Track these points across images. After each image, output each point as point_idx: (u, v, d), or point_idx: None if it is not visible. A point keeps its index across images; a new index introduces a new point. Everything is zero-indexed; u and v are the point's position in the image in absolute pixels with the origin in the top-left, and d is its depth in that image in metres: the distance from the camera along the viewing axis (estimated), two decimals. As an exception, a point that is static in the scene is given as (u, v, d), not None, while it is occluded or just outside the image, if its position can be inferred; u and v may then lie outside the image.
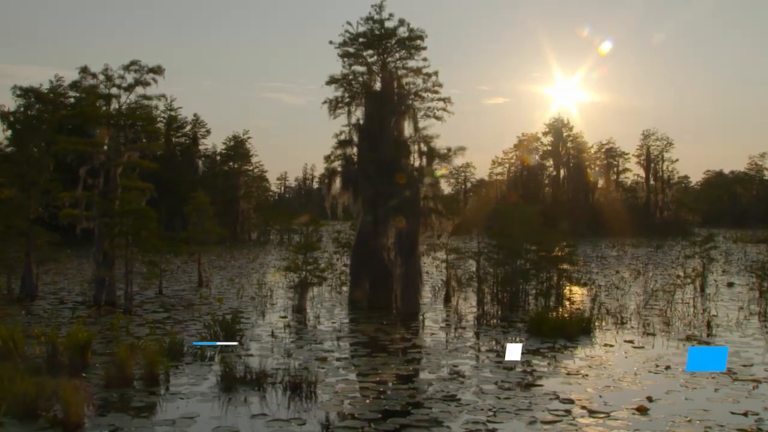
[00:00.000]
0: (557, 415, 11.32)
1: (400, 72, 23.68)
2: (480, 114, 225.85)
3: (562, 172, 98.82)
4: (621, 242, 66.90)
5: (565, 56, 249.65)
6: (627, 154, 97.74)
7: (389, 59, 23.74)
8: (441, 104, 23.66)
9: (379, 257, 22.92)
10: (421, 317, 21.79)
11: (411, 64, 23.87)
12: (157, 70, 23.54)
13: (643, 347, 17.22)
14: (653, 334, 18.91)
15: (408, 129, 23.33)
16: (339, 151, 23.55)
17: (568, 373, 14.32)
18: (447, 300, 24.96)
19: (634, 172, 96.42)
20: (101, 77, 24.03)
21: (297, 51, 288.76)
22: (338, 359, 15.58)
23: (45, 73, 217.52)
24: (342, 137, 23.64)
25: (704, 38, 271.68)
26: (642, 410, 11.66)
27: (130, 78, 23.95)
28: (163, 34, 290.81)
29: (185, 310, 22.55)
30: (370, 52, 23.83)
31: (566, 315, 20.07)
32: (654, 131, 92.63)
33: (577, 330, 18.55)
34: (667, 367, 14.87)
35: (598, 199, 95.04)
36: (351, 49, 23.60)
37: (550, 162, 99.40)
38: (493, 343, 17.88)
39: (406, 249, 22.01)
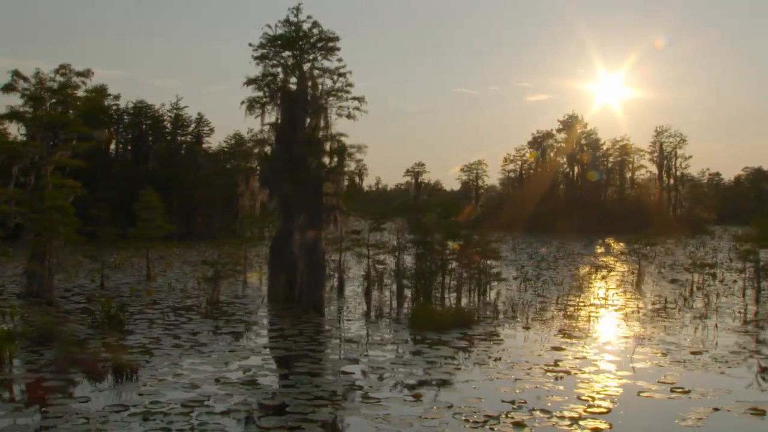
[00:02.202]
0: (332, 399, 11.99)
1: (315, 73, 24.45)
2: (522, 110, 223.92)
3: (576, 169, 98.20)
4: (621, 239, 66.20)
5: (608, 52, 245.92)
6: (642, 150, 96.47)
7: (305, 61, 24.51)
8: (355, 103, 24.38)
9: (293, 252, 23.69)
10: (326, 309, 22.60)
11: (326, 65, 24.67)
12: (85, 74, 24.75)
13: (503, 340, 17.69)
14: (528, 328, 19.34)
15: (322, 128, 24.10)
16: (257, 150, 24.44)
17: (392, 363, 14.94)
18: (367, 293, 25.65)
19: (647, 168, 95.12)
20: (33, 80, 25.23)
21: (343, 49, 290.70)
22: (193, 346, 16.45)
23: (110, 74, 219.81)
24: (261, 136, 24.53)
25: (750, 34, 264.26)
26: (417, 396, 12.26)
27: (60, 81, 25.12)
28: (209, 34, 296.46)
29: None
30: (288, 53, 24.64)
31: (441, 308, 20.63)
32: (667, 128, 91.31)
33: (450, 323, 19.05)
34: (498, 359, 15.36)
35: (610, 196, 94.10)
36: (267, 51, 24.41)
37: (563, 159, 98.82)
38: (362, 333, 18.57)
39: (309, 244, 22.79)
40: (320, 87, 24.30)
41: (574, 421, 10.87)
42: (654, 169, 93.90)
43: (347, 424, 10.78)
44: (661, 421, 11.08)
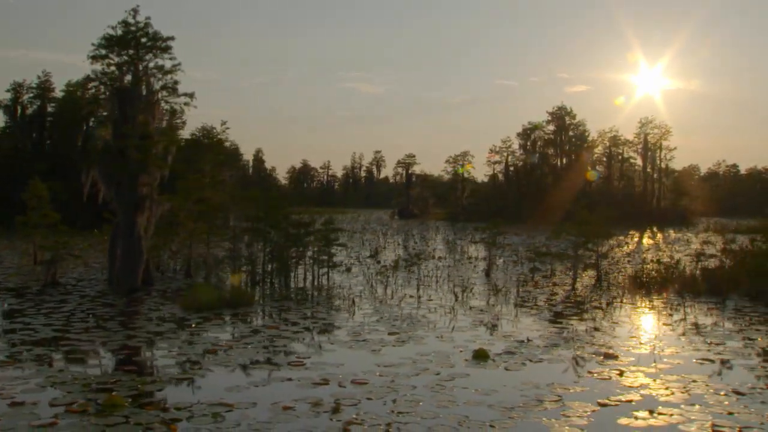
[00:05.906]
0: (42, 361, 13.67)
1: (149, 71, 26.13)
2: (560, 102, 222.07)
3: (563, 160, 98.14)
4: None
5: (649, 43, 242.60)
6: (631, 142, 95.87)
7: (141, 59, 26.21)
8: (185, 99, 26.16)
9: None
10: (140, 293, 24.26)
11: (160, 63, 26.37)
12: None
13: (248, 320, 19.07)
14: (303, 311, 20.66)
15: (150, 123, 25.85)
16: (98, 144, 26.26)
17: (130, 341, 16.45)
18: (206, 279, 27.24)
19: (634, 160, 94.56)
20: None
21: (374, 42, 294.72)
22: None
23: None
24: (98, 132, 26.33)
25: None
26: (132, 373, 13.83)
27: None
28: (249, 25, 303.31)
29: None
30: (124, 53, 26.34)
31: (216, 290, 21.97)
32: (652, 119, 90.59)
33: (218, 304, 20.44)
34: (195, 334, 16.80)
35: (596, 188, 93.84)
36: (106, 51, 26.16)
37: (551, 151, 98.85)
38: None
39: (125, 230, 24.46)
40: (152, 85, 25.98)
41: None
42: (640, 161, 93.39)
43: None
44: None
